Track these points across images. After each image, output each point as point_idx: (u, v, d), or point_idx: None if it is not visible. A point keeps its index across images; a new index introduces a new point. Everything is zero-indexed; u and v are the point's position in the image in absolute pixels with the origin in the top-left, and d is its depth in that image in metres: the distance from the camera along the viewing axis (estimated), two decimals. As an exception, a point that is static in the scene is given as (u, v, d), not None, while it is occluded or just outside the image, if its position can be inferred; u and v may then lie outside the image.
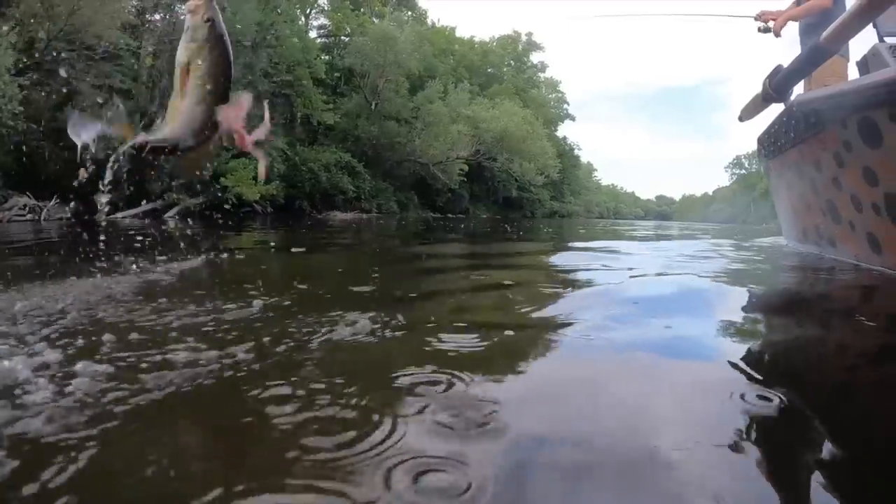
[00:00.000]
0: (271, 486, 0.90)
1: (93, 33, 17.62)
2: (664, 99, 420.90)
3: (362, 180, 32.94)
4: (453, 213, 41.03)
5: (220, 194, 21.25)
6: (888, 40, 5.44)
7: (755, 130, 18.48)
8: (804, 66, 4.68)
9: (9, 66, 14.74)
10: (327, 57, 36.41)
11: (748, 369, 1.60)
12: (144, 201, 19.88)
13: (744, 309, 2.78)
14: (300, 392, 1.30)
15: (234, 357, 1.56)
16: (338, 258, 5.52)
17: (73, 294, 2.48)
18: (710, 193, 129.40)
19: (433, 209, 41.59)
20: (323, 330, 1.89)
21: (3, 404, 1.16)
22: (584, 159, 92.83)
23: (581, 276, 3.97)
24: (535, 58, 68.97)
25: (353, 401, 1.25)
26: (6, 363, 1.40)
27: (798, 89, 5.34)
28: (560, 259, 5.68)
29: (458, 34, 57.72)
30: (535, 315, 2.37)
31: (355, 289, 2.86)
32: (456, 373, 1.43)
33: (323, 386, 1.34)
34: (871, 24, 4.27)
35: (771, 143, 6.06)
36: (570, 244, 8.09)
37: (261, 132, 1.36)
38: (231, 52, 1.37)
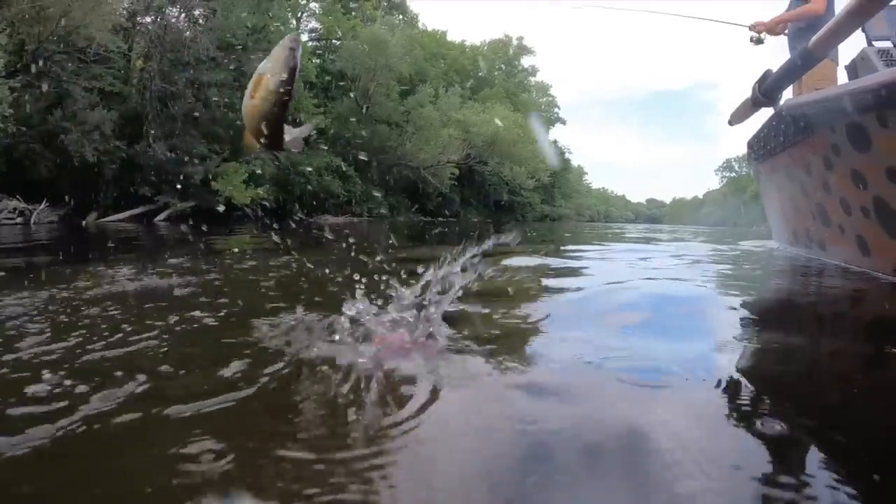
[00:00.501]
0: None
1: (84, 36, 17.56)
2: (655, 103, 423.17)
3: (353, 184, 32.92)
4: (444, 216, 41.01)
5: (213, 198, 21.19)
6: (876, 44, 5.48)
7: (745, 134, 18.46)
8: (793, 71, 4.71)
9: (-1, 69, 14.68)
10: (318, 60, 36.38)
11: (742, 377, 1.60)
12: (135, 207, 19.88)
13: (737, 314, 2.78)
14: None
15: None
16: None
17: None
18: (701, 197, 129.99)
19: (424, 213, 41.60)
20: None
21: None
22: (574, 163, 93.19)
23: (559, 282, 3.87)
24: (525, 62, 69.23)
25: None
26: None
27: (787, 94, 5.38)
28: (532, 262, 5.52)
29: (448, 38, 57.82)
30: (500, 327, 2.14)
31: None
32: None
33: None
34: (859, 29, 4.29)
35: (761, 147, 6.09)
36: (551, 247, 7.97)
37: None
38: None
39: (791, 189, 5.41)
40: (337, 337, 1.76)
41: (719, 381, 1.52)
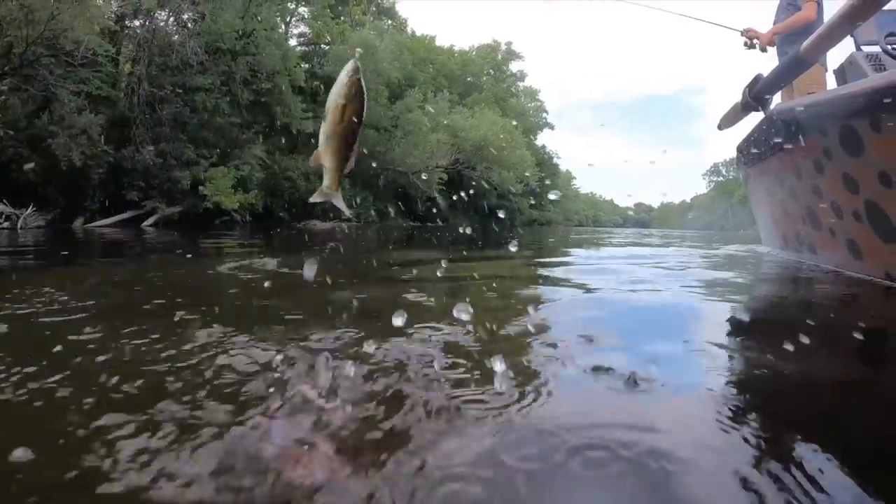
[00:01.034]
0: None
1: (72, 39, 17.45)
2: (642, 108, 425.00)
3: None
4: (433, 221, 40.93)
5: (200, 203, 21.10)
6: (865, 49, 5.53)
7: (732, 139, 18.68)
8: (785, 75, 4.73)
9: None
10: (307, 65, 36.31)
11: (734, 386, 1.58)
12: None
13: (735, 318, 2.77)
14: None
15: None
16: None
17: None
18: (688, 201, 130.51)
19: (412, 218, 41.53)
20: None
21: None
22: (562, 167, 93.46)
23: (537, 292, 3.73)
24: (514, 67, 69.46)
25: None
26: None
27: (776, 98, 5.40)
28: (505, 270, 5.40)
29: (437, 43, 57.88)
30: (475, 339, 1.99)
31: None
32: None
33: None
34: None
35: (750, 152, 6.11)
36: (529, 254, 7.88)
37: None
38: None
39: (781, 193, 5.42)
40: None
41: (714, 387, 1.50)
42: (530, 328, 2.12)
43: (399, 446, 1.08)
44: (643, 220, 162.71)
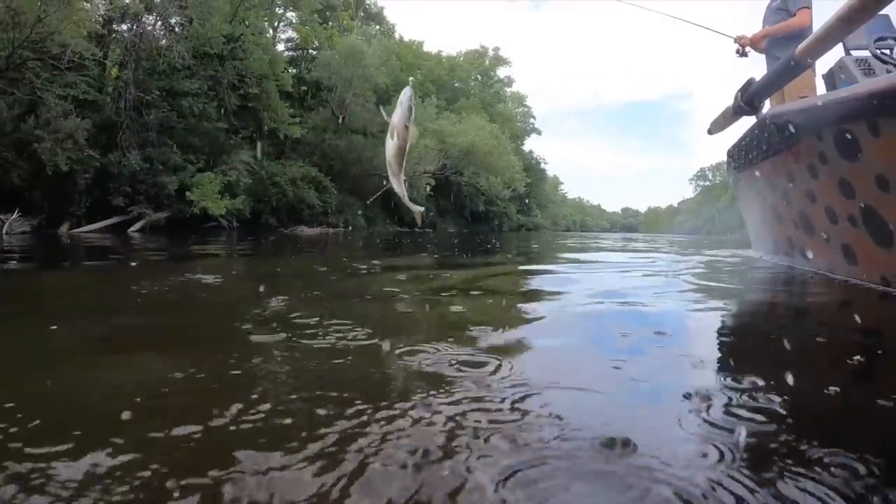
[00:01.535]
0: None
1: (58, 42, 17.30)
2: (629, 114, 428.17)
3: (329, 194, 32.72)
4: (420, 227, 40.84)
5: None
6: (854, 54, 5.54)
7: (718, 143, 18.89)
8: (779, 79, 4.71)
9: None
10: (295, 70, 36.24)
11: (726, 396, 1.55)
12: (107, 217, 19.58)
13: (733, 322, 2.74)
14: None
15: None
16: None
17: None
18: (675, 205, 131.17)
19: (400, 224, 41.47)
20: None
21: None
22: (550, 173, 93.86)
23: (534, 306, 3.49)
24: (501, 72, 69.69)
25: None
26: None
27: (766, 103, 5.39)
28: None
29: (425, 48, 57.94)
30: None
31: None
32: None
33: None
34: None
35: (742, 156, 6.10)
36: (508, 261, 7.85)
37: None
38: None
39: (773, 198, 5.42)
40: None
41: (710, 394, 1.46)
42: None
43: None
44: (630, 224, 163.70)
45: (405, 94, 2.28)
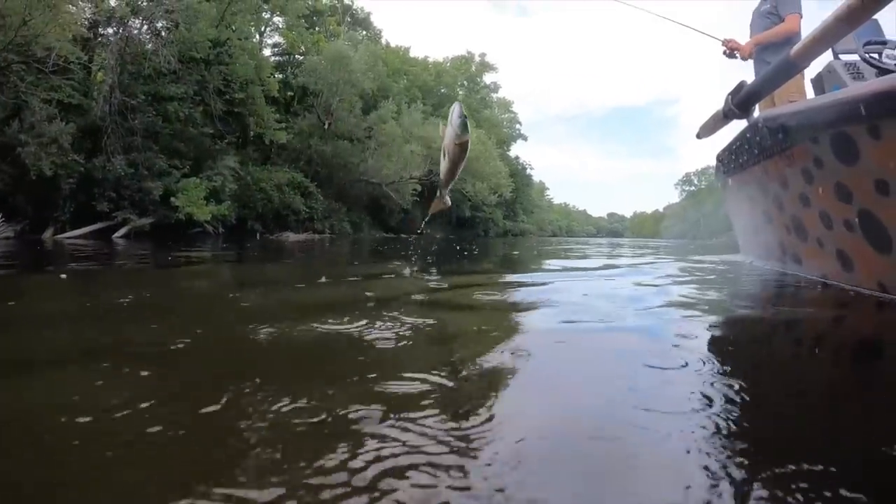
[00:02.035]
0: None
1: (43, 45, 17.10)
2: (615, 119, 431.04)
3: (315, 200, 32.61)
4: (406, 233, 40.81)
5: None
6: (843, 58, 5.55)
7: (704, 148, 19.02)
8: (772, 82, 4.68)
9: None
10: (281, 75, 36.10)
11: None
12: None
13: (731, 328, 2.70)
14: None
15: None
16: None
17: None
18: (661, 210, 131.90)
19: (386, 229, 41.43)
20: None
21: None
22: (536, 178, 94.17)
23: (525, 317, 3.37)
24: (487, 78, 69.86)
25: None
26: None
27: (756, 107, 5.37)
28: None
29: (411, 54, 57.95)
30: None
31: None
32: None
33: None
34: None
35: (732, 160, 6.07)
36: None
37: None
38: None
39: (765, 202, 5.39)
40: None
41: (710, 402, 1.40)
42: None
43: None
44: (616, 229, 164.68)
45: (454, 112, 2.38)
